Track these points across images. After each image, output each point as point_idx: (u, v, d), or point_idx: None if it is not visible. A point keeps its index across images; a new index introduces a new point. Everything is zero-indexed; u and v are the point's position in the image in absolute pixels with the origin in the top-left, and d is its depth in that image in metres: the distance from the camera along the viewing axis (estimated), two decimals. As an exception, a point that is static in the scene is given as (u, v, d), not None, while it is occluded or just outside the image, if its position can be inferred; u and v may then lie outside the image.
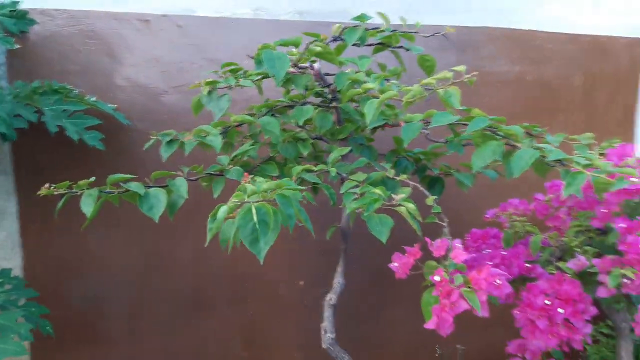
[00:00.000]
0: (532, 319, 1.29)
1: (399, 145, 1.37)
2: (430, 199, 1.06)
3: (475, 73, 0.98)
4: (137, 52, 1.86)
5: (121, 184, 1.07)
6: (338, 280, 1.31)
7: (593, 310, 1.27)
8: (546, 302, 1.26)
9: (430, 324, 0.92)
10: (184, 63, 1.90)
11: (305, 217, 0.89)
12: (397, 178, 1.11)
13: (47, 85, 1.57)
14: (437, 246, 0.95)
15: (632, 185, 1.23)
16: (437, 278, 0.90)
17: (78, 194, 1.04)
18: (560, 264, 1.34)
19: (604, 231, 1.43)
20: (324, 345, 1.30)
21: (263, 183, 0.82)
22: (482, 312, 0.91)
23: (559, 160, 0.99)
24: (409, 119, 1.11)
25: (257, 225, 0.74)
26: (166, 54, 1.88)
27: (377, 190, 0.96)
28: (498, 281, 0.91)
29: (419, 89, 0.98)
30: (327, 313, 1.29)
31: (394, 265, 0.97)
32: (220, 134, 1.08)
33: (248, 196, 0.77)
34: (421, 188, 1.10)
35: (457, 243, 0.95)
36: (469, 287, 0.90)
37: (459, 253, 0.92)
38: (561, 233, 1.56)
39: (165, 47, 1.88)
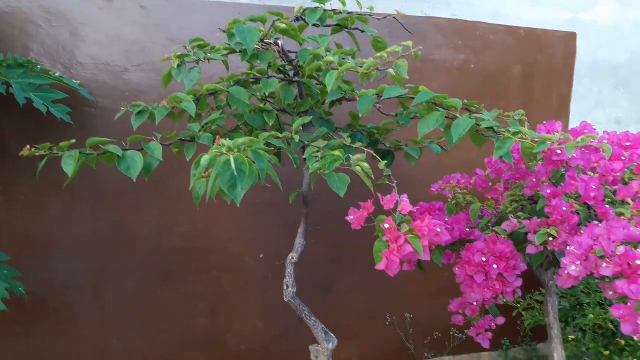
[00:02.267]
0: (470, 274, 1.47)
1: (354, 120, 1.52)
2: (382, 163, 1.22)
3: (419, 47, 1.14)
4: (99, 30, 1.93)
5: (100, 146, 1.16)
6: (299, 241, 1.45)
7: (523, 267, 1.47)
8: (482, 258, 1.45)
9: (380, 266, 1.08)
10: (147, 42, 1.98)
11: (274, 173, 1.02)
12: (353, 145, 1.26)
13: (11, 59, 1.63)
14: (387, 200, 1.11)
15: (558, 157, 1.44)
16: (386, 225, 1.05)
17: (59, 155, 1.13)
18: (496, 228, 1.54)
19: (534, 199, 1.64)
20: (285, 299, 1.43)
21: (237, 139, 0.94)
22: (424, 255, 1.07)
23: (492, 128, 1.16)
24: (363, 94, 1.26)
25: (235, 173, 0.86)
26: (129, 33, 1.96)
27: (336, 152, 1.10)
28: (438, 229, 1.07)
29: (373, 60, 1.13)
30: (289, 269, 1.42)
31: (350, 218, 1.12)
32: (193, 100, 1.19)
33: (226, 149, 0.89)
34: (374, 154, 1.25)
35: (404, 197, 1.11)
36: (413, 234, 1.06)
37: (405, 205, 1.08)
38: (498, 203, 1.77)
39: (128, 26, 1.96)
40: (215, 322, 2.21)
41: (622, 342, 2.02)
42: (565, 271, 1.29)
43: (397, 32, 2.06)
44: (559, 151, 1.42)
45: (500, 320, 1.66)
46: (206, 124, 1.26)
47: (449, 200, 1.77)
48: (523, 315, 2.30)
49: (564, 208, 1.35)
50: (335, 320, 2.38)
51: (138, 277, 2.07)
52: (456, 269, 1.52)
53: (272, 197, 2.20)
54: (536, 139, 1.17)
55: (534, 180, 1.53)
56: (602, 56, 2.55)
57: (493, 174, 1.66)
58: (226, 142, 0.90)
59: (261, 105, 1.35)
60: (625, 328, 1.16)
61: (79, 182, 1.94)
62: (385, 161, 1.21)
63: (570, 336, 2.17)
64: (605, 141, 1.57)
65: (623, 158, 1.50)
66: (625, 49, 2.59)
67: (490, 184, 1.80)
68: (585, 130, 1.52)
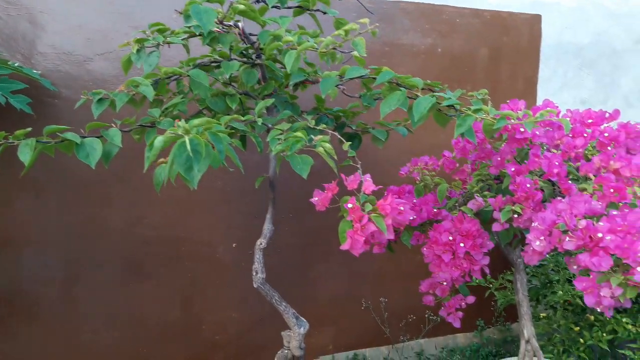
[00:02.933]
0: (438, 254, 1.48)
1: (319, 103, 1.50)
2: (346, 145, 1.21)
3: (377, 25, 1.13)
4: (61, 18, 1.88)
5: (58, 134, 1.13)
6: (267, 227, 1.44)
7: (490, 245, 1.48)
8: (450, 238, 1.45)
9: (344, 246, 1.07)
10: (110, 31, 1.94)
11: (234, 155, 1.00)
12: (318, 128, 1.25)
13: (-33, 49, 1.57)
14: (350, 180, 1.10)
15: (522, 135, 1.45)
16: (349, 205, 1.04)
17: (15, 144, 1.09)
18: (463, 207, 1.54)
19: (500, 179, 1.65)
20: (255, 285, 1.42)
21: (194, 120, 0.92)
22: (388, 235, 1.07)
23: (453, 106, 1.15)
24: (326, 75, 1.25)
25: (190, 154, 0.84)
26: (91, 22, 1.91)
27: (299, 134, 1.09)
28: (401, 208, 1.07)
29: (331, 39, 1.11)
30: (258, 256, 1.41)
31: (314, 199, 1.11)
32: (151, 84, 1.16)
33: (182, 131, 0.87)
34: (339, 136, 1.24)
35: (367, 177, 1.10)
36: (377, 213, 1.06)
37: (368, 185, 1.07)
38: (465, 184, 1.77)
39: (91, 14, 1.91)
40: (189, 313, 2.19)
41: (592, 317, 2.06)
42: (531, 247, 1.30)
43: (363, 16, 2.04)
44: (522, 129, 1.43)
45: (471, 299, 1.67)
46: (167, 109, 1.24)
47: (417, 182, 1.77)
48: (496, 296, 2.32)
49: (528, 185, 1.36)
50: (311, 307, 2.38)
51: (109, 270, 2.03)
52: (424, 249, 1.52)
53: (244, 185, 2.18)
54: (497, 116, 1.17)
55: (499, 159, 1.54)
56: (567, 38, 2.58)
57: (459, 154, 1.67)
58: (182, 124, 0.87)
59: (224, 89, 1.33)
60: (588, 300, 1.18)
61: (45, 174, 1.89)
62: (350, 142, 1.20)
63: (541, 314, 2.20)
64: (568, 119, 1.58)
65: (585, 135, 1.52)
66: (590, 31, 2.61)
67: (457, 165, 1.80)
68: (548, 108, 1.53)
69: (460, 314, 1.67)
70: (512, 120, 1.16)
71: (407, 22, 2.28)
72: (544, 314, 2.18)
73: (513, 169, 1.44)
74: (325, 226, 2.34)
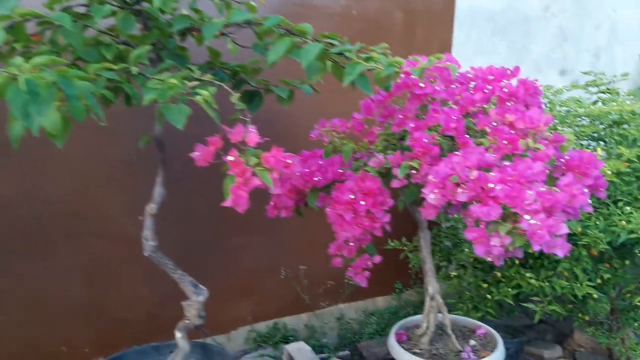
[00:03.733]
0: (340, 213, 1.43)
1: (214, 57, 1.40)
2: (235, 97, 1.12)
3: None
4: None
5: None
6: (158, 190, 1.34)
7: (390, 202, 1.45)
8: (351, 196, 1.41)
9: (227, 202, 0.99)
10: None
11: (94, 104, 0.89)
12: (203, 79, 1.15)
13: None
14: (234, 132, 1.02)
15: (422, 90, 1.41)
16: (230, 158, 0.96)
17: None
18: (366, 167, 1.50)
19: (404, 138, 1.62)
20: (145, 253, 1.32)
21: (36, 58, 0.81)
22: (274, 189, 1.00)
23: (343, 54, 1.09)
24: (211, 21, 1.15)
25: (27, 96, 0.73)
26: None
27: (173, 80, 0.99)
28: (289, 161, 1.00)
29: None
30: (148, 222, 1.31)
31: (196, 154, 1.02)
32: (4, 28, 1.02)
33: (16, 70, 0.76)
34: (226, 87, 1.15)
35: (252, 128, 1.02)
36: (262, 167, 0.99)
37: (253, 137, 1.00)
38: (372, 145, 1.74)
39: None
40: (94, 291, 2.05)
41: (499, 274, 2.10)
42: (426, 201, 1.28)
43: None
44: (422, 84, 1.40)
45: (377, 258, 1.65)
46: (29, 58, 1.10)
47: (325, 144, 1.71)
48: (410, 258, 2.33)
49: (425, 140, 1.33)
50: (229, 278, 2.30)
51: (2, 249, 1.86)
52: (328, 209, 1.48)
53: (150, 154, 2.05)
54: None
55: (402, 117, 1.50)
56: (480, 3, 2.58)
57: (364, 113, 1.62)
58: (18, 61, 0.76)
59: (100, 37, 1.20)
60: (478, 250, 1.17)
61: None
62: (239, 94, 1.12)
63: (452, 273, 2.23)
64: (469, 75, 1.57)
65: (486, 91, 1.50)
66: (502, -4, 2.63)
67: (366, 127, 1.76)
68: (448, 62, 1.50)
69: (367, 273, 1.64)
70: (402, 68, 1.11)
71: (319, -19, 2.19)
72: (455, 273, 2.21)
73: (412, 125, 1.41)
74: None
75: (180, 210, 2.16)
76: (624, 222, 1.89)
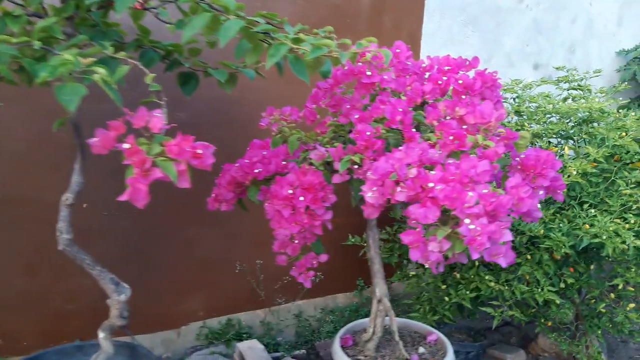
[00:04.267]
0: (278, 209, 1.32)
1: (144, 35, 1.28)
2: (150, 77, 1.00)
3: None
4: None
5: None
6: (75, 179, 1.21)
7: (332, 198, 1.34)
8: (289, 191, 1.30)
9: (124, 196, 0.88)
10: None
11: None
12: (117, 56, 1.03)
13: None
14: (137, 117, 0.90)
15: (368, 79, 1.30)
16: (126, 146, 0.85)
17: None
18: (307, 159, 1.39)
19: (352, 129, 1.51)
20: (60, 247, 1.20)
21: None
22: (180, 182, 0.89)
23: (268, 34, 0.97)
24: (130, -5, 1.02)
25: None
26: None
27: (67, 55, 0.87)
28: (199, 151, 0.89)
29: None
30: (63, 213, 1.19)
31: (94, 140, 0.90)
32: None
33: None
34: (141, 67, 1.03)
35: (157, 112, 0.91)
36: (166, 157, 0.87)
37: (157, 122, 0.88)
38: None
39: None
40: (35, 282, 1.92)
41: (458, 275, 2.01)
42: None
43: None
44: (369, 72, 1.28)
45: (324, 257, 1.54)
46: None
47: (273, 134, 1.59)
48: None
49: (368, 133, 1.22)
50: (177, 271, 2.19)
51: None
52: (266, 204, 1.36)
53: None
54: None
55: (348, 107, 1.39)
56: (453, -8, 2.47)
57: (311, 102, 1.51)
58: None
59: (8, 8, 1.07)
60: (413, 255, 1.06)
61: None
62: (154, 75, 1.00)
63: (411, 272, 2.13)
64: (424, 65, 1.46)
65: (440, 82, 1.40)
66: (475, -15, 2.52)
67: (319, 117, 1.64)
68: (398, 50, 1.39)
69: (311, 273, 1.54)
70: (331, 51, 0.99)
71: (280, -38, 2.06)
72: (414, 272, 2.12)
73: (357, 116, 1.30)
74: (195, 183, 2.13)
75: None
76: (587, 226, 1.80)
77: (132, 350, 1.43)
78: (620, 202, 1.88)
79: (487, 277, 1.91)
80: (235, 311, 2.36)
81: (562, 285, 1.95)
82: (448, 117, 1.23)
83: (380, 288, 1.52)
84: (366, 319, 1.78)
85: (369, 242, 1.52)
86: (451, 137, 1.15)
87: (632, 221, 1.80)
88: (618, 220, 1.80)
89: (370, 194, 1.13)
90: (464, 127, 1.21)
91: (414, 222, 1.05)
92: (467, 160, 1.07)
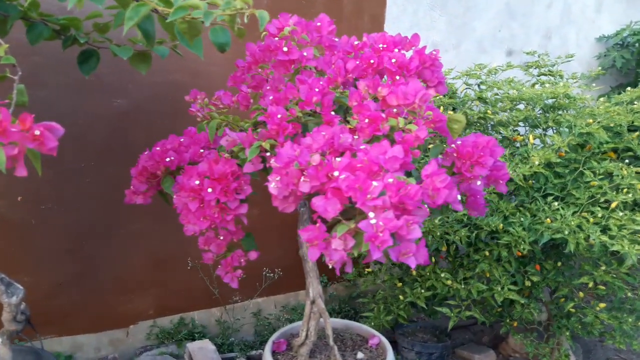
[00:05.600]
0: (186, 202, 1.17)
1: (31, 7, 1.12)
2: (2, 48, 0.85)
3: None
4: None
5: None
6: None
7: (248, 190, 1.19)
8: (196, 182, 1.14)
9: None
10: None
11: None
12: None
13: None
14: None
15: (286, 56, 1.14)
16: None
17: None
18: (218, 147, 1.24)
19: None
20: None
21: None
22: (17, 170, 0.74)
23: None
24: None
25: None
26: None
27: None
28: (37, 132, 0.74)
29: None
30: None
31: None
32: None
33: None
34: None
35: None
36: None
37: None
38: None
39: None
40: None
41: (414, 272, 1.86)
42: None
43: None
44: (285, 48, 1.13)
45: (253, 255, 1.39)
46: None
47: (199, 120, 1.44)
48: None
49: (279, 116, 1.07)
50: (125, 267, 2.05)
51: None
52: (174, 197, 1.21)
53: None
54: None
55: (269, 88, 1.23)
56: (418, -27, 2.30)
57: (231, 82, 1.35)
58: None
59: None
60: (312, 254, 0.91)
61: None
62: (6, 46, 0.85)
63: (367, 269, 1.98)
64: (356, 43, 1.30)
65: (373, 61, 1.23)
66: (443, -34, 2.35)
67: (252, 102, 1.49)
68: (319, 23, 1.23)
69: (238, 272, 1.39)
70: (195, 10, 0.83)
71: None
72: (370, 269, 1.96)
73: (271, 98, 1.14)
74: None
75: (68, 192, 1.89)
76: (549, 220, 1.64)
77: (38, 355, 1.28)
78: (588, 195, 1.71)
79: (443, 275, 1.76)
80: (189, 310, 2.22)
81: (528, 283, 1.80)
82: (369, 98, 1.07)
83: (314, 288, 1.37)
84: (297, 323, 1.63)
85: (301, 239, 1.37)
86: (367, 120, 0.99)
87: (600, 215, 1.64)
88: (585, 214, 1.64)
89: (273, 184, 0.98)
90: (388, 109, 1.05)
91: (317, 216, 0.90)
92: (377, 146, 0.92)
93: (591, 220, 1.61)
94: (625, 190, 1.66)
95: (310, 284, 1.37)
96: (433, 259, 1.82)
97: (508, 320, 1.94)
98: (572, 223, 1.58)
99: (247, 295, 2.29)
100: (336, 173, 0.90)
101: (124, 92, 1.89)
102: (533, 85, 2.03)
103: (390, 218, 0.83)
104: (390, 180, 0.84)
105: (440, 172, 0.90)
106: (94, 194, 1.94)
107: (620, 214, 1.66)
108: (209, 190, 1.13)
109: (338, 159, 0.91)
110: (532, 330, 1.98)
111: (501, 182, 1.19)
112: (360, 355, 1.41)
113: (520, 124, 1.95)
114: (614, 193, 1.66)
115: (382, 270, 1.95)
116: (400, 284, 1.86)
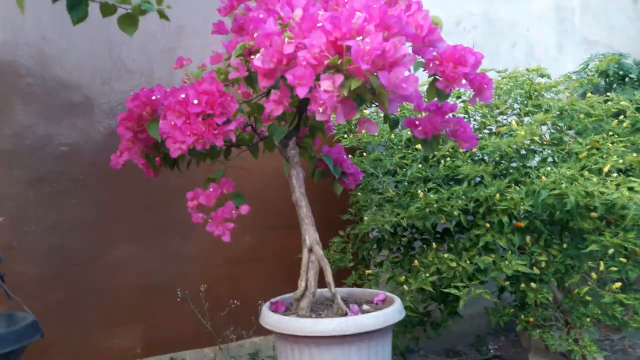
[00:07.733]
0: (172, 121, 1.14)
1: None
2: None
3: None
4: None
5: None
6: None
7: (235, 106, 1.16)
8: (182, 96, 1.12)
9: None
10: None
11: None
12: None
13: None
14: None
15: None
16: None
17: None
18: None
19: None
20: None
21: None
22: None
23: None
24: None
25: None
26: None
27: None
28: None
29: None
30: None
31: None
32: None
33: None
34: None
35: None
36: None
37: None
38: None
39: None
40: None
41: (417, 263, 1.74)
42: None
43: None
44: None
45: (245, 209, 1.32)
46: None
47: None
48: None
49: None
50: (110, 298, 1.89)
51: None
52: (161, 123, 1.17)
53: (15, 146, 1.76)
54: None
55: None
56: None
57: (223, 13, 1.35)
58: None
59: None
60: (300, 92, 0.87)
61: None
62: None
63: (368, 272, 1.85)
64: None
65: None
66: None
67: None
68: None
69: (230, 225, 1.30)
70: None
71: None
72: (370, 271, 1.84)
73: (262, 16, 1.16)
74: (129, 197, 1.92)
75: (51, 213, 1.81)
76: (543, 178, 1.60)
77: (10, 318, 1.14)
78: (580, 166, 1.69)
79: (446, 256, 1.65)
80: (180, 349, 2.00)
81: (537, 271, 1.67)
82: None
83: (310, 235, 1.27)
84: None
85: (292, 182, 1.30)
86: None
87: (595, 180, 1.60)
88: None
89: (258, 56, 0.97)
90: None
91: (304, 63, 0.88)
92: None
93: (586, 174, 1.57)
94: (615, 158, 1.65)
95: (307, 232, 1.27)
96: (434, 245, 1.72)
97: (523, 317, 1.77)
98: (568, 174, 1.53)
99: (242, 329, 2.07)
100: (319, 24, 0.90)
101: (112, 114, 1.91)
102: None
103: (377, 34, 0.81)
104: (375, 6, 0.84)
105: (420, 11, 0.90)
106: (81, 214, 1.87)
107: (615, 175, 1.63)
108: (195, 102, 1.10)
109: (321, 13, 0.92)
110: (551, 326, 1.80)
111: (486, 87, 1.19)
112: (365, 307, 1.26)
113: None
114: (605, 160, 1.64)
115: (384, 269, 1.82)
116: (404, 278, 1.73)
